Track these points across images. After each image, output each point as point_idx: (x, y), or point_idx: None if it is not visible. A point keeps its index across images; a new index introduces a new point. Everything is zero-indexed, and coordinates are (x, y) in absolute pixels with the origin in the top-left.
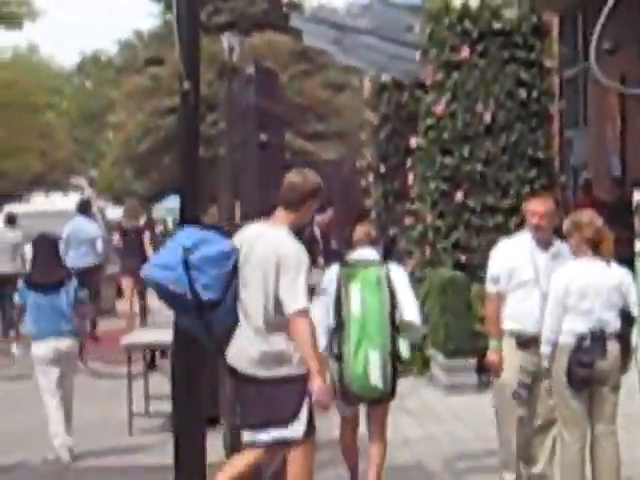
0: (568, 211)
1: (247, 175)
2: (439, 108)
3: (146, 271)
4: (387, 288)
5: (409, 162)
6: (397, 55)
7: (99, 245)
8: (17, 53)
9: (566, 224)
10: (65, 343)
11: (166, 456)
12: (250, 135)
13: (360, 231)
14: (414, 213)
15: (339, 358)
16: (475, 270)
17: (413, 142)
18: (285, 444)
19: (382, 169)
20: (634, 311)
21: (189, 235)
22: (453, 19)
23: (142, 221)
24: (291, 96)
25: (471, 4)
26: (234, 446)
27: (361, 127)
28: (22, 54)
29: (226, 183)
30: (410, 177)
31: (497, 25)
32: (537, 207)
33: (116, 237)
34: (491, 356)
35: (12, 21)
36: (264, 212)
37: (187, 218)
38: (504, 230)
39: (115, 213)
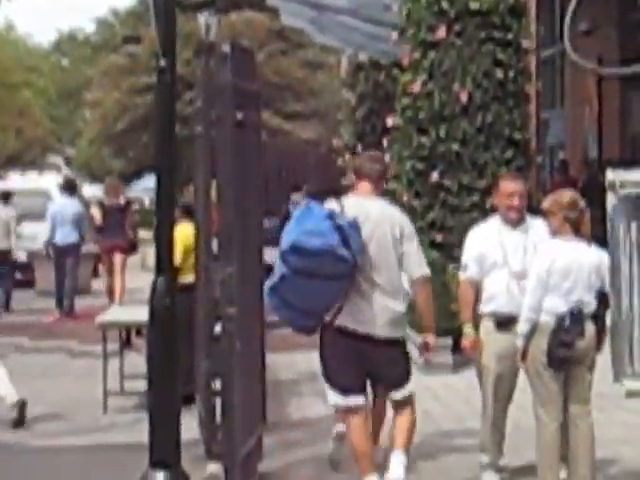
0: (545, 192)
1: (223, 154)
2: (416, 88)
3: (297, 240)
4: None
5: (386, 142)
6: (374, 34)
7: (85, 224)
8: None
9: (547, 204)
10: None
11: (141, 434)
12: (226, 114)
13: None
14: (390, 193)
15: None
16: (451, 250)
17: (390, 122)
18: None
19: (359, 148)
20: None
21: (319, 206)
22: None
23: (123, 199)
24: (268, 75)
25: None
26: (208, 425)
27: (338, 106)
28: None
29: (202, 162)
30: (386, 157)
31: (474, 5)
32: (511, 188)
33: (96, 215)
34: (464, 342)
35: None
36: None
37: (163, 197)
38: (480, 210)
39: (91, 191)
